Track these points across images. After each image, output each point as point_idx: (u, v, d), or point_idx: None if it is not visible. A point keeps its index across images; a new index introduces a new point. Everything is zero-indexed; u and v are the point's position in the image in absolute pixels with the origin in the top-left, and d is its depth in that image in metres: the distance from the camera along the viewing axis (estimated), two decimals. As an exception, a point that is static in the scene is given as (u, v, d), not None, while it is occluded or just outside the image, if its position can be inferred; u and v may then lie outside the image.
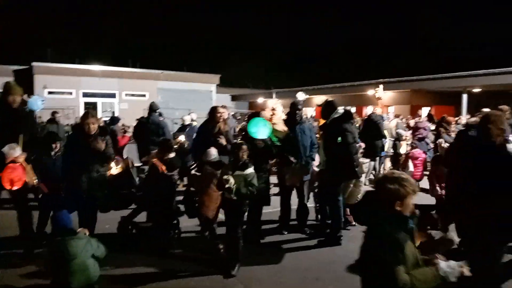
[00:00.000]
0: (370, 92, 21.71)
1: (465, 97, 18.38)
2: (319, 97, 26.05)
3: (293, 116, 5.93)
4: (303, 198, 6.06)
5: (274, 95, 27.84)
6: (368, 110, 14.29)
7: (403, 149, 9.68)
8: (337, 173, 5.18)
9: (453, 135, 8.45)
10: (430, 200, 6.26)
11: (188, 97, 24.27)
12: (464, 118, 12.60)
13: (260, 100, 28.11)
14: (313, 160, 6.03)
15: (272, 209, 6.19)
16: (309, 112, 20.62)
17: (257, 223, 5.66)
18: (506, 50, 27.48)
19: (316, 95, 24.99)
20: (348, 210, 5.99)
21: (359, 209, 2.74)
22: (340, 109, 5.38)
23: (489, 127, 3.49)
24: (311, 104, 24.91)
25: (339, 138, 4.93)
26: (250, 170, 4.52)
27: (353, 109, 24.81)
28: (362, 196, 3.64)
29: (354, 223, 5.95)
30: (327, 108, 5.34)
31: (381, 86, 19.02)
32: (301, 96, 23.58)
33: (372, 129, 9.20)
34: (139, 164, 7.38)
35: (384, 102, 21.38)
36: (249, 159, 4.65)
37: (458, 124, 11.01)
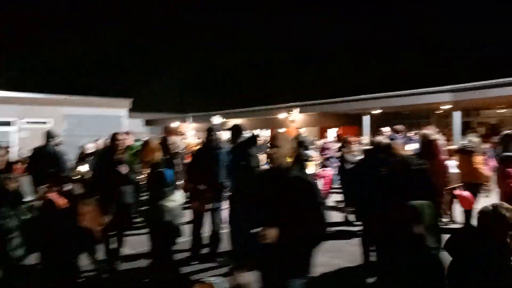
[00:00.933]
0: (282, 115, 22.59)
1: (366, 118, 19.95)
2: (236, 120, 26.49)
3: (209, 141, 5.81)
4: (215, 225, 5.93)
5: (190, 119, 27.60)
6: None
7: (312, 169, 10.07)
8: (244, 198, 5.16)
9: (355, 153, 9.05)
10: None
11: (96, 123, 22.95)
12: (366, 137, 13.60)
13: (175, 124, 27.65)
14: (227, 187, 5.98)
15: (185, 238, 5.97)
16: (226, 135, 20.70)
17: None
18: (401, 74, 30.61)
19: (232, 118, 25.30)
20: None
21: (456, 240, 2.72)
22: (246, 134, 5.43)
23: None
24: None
25: (242, 163, 4.95)
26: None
27: (267, 132, 25.60)
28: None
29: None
30: (233, 133, 5.36)
31: (296, 110, 19.89)
32: (217, 120, 23.78)
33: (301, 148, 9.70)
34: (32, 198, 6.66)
35: (295, 124, 22.40)
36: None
37: (361, 143, 11.85)
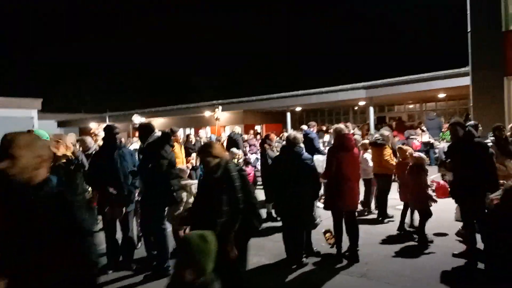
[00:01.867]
0: (207, 113, 22.21)
1: (288, 115, 20.37)
2: (157, 119, 25.55)
3: (110, 141, 5.30)
4: (127, 231, 5.48)
5: (107, 119, 26.10)
6: (205, 131, 14.72)
7: (235, 166, 9.97)
8: (155, 201, 4.82)
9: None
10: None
11: (3, 125, 20.74)
12: (286, 134, 13.79)
13: (92, 125, 25.99)
14: (137, 188, 5.56)
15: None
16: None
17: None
18: (319, 73, 31.82)
19: (154, 117, 24.37)
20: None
21: None
22: (158, 132, 5.07)
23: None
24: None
25: (150, 164, 4.60)
26: None
27: (192, 131, 25.05)
28: None
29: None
30: (143, 132, 4.97)
31: (220, 108, 19.64)
32: (137, 119, 22.69)
33: (233, 146, 10.15)
34: None
35: (220, 123, 22.19)
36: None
37: (282, 140, 11.97)
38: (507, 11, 9.43)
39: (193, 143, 10.98)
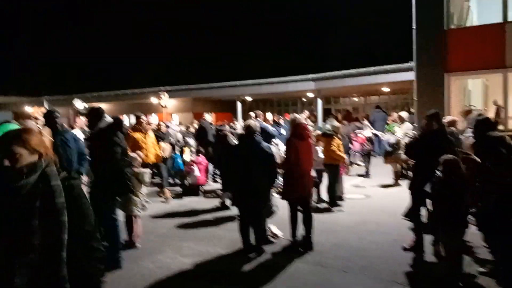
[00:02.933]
0: (153, 100, 21.53)
1: (239, 104, 20.31)
2: (100, 105, 24.37)
3: (51, 125, 4.96)
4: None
5: (45, 103, 24.49)
6: (153, 118, 14.24)
7: (187, 156, 9.73)
8: (107, 190, 4.56)
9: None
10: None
11: None
12: (239, 122, 13.74)
13: (28, 109, 24.27)
14: (82, 174, 5.25)
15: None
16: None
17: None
18: (270, 62, 31.95)
19: (96, 103, 23.20)
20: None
21: None
22: (109, 118, 4.79)
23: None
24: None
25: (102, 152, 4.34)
26: None
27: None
28: None
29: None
30: (91, 117, 4.67)
31: (166, 94, 19.03)
32: (78, 104, 21.45)
33: (204, 135, 10.28)
34: None
35: (168, 110, 21.62)
36: None
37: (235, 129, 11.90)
38: (449, 10, 9.99)
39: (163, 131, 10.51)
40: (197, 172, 9.00)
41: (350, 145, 11.53)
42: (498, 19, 9.56)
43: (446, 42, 9.84)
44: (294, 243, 5.43)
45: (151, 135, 8.15)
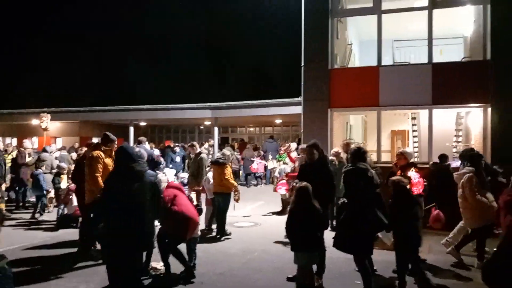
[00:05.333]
0: (34, 121, 19.51)
1: (131, 129, 19.43)
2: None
3: None
4: None
5: None
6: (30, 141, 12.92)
7: (64, 183, 8.84)
8: None
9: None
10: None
11: None
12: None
13: None
14: None
15: None
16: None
17: None
18: (166, 88, 31.36)
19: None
20: None
21: None
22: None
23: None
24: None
25: None
26: None
27: (14, 140, 21.61)
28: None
29: None
30: None
31: (48, 116, 17.45)
32: None
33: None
34: None
35: (51, 133, 19.72)
36: None
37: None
38: (333, 51, 10.93)
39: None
40: (75, 202, 8.17)
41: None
42: (374, 62, 10.73)
43: (330, 80, 10.70)
44: (177, 277, 5.14)
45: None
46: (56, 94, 29.67)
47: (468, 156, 5.97)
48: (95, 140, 10.55)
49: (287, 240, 5.47)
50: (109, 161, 5.89)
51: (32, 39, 38.33)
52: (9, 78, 36.52)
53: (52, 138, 20.75)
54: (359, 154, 4.80)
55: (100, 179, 5.56)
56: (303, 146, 10.47)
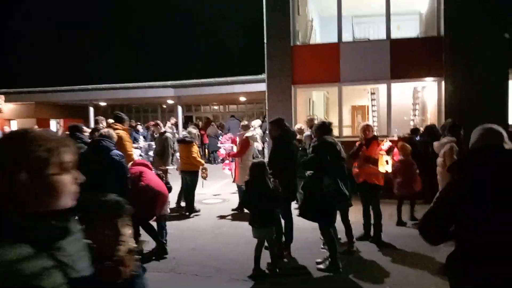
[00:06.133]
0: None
1: (91, 109, 18.85)
2: None
3: None
4: None
5: None
6: None
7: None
8: None
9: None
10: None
11: None
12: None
13: None
14: None
15: None
16: None
17: None
18: (129, 67, 30.41)
19: None
20: None
21: None
22: None
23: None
24: None
25: None
26: None
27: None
28: None
29: None
30: None
31: (2, 97, 16.70)
32: None
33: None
34: None
35: (5, 115, 18.81)
36: None
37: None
38: (295, 28, 11.02)
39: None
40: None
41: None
42: (334, 39, 10.93)
43: (293, 57, 10.82)
44: (149, 254, 5.22)
45: None
46: (10, 74, 28.10)
47: (449, 127, 6.36)
48: (53, 122, 10.19)
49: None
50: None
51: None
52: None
53: (6, 120, 19.78)
54: (325, 127, 4.96)
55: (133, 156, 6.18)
56: (254, 122, 10.58)
